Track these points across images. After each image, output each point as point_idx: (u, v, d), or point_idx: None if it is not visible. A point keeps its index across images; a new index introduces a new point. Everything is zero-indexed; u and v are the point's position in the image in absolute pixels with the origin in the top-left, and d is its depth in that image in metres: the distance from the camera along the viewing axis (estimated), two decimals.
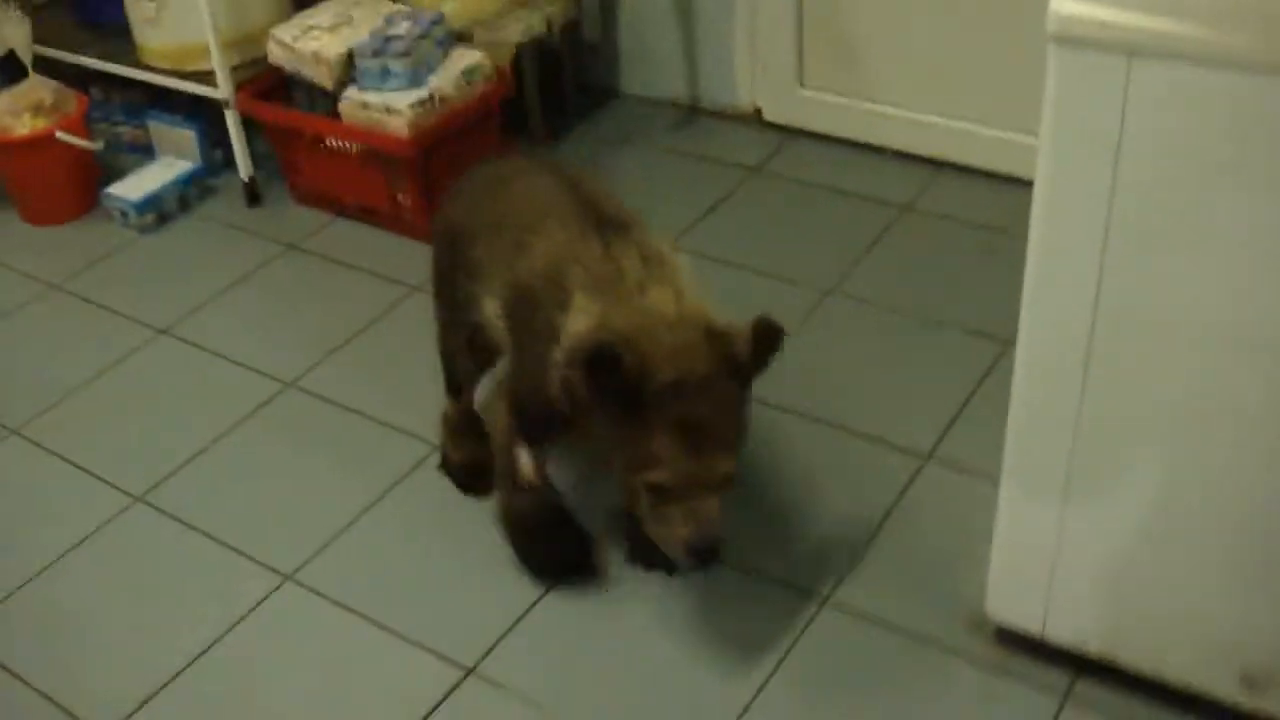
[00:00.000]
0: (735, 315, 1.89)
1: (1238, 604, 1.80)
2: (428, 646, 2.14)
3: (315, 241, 3.18)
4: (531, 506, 2.20)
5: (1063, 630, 1.97)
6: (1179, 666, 1.91)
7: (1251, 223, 1.53)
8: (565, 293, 1.94)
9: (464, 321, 2.24)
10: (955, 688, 2.02)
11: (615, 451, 1.86)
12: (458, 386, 2.42)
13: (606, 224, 2.01)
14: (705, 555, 1.86)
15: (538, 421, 2.08)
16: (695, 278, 1.99)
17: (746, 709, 2.00)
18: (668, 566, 2.19)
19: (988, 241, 2.90)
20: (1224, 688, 1.87)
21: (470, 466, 2.41)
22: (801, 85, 3.35)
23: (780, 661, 2.06)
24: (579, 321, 1.89)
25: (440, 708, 2.04)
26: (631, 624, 2.15)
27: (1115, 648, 1.94)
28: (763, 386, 1.93)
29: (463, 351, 2.34)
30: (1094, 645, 1.96)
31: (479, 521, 2.32)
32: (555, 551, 2.23)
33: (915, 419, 2.47)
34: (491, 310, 2.12)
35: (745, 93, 3.46)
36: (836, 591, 2.16)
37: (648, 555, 2.18)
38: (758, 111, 3.46)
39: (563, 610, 2.18)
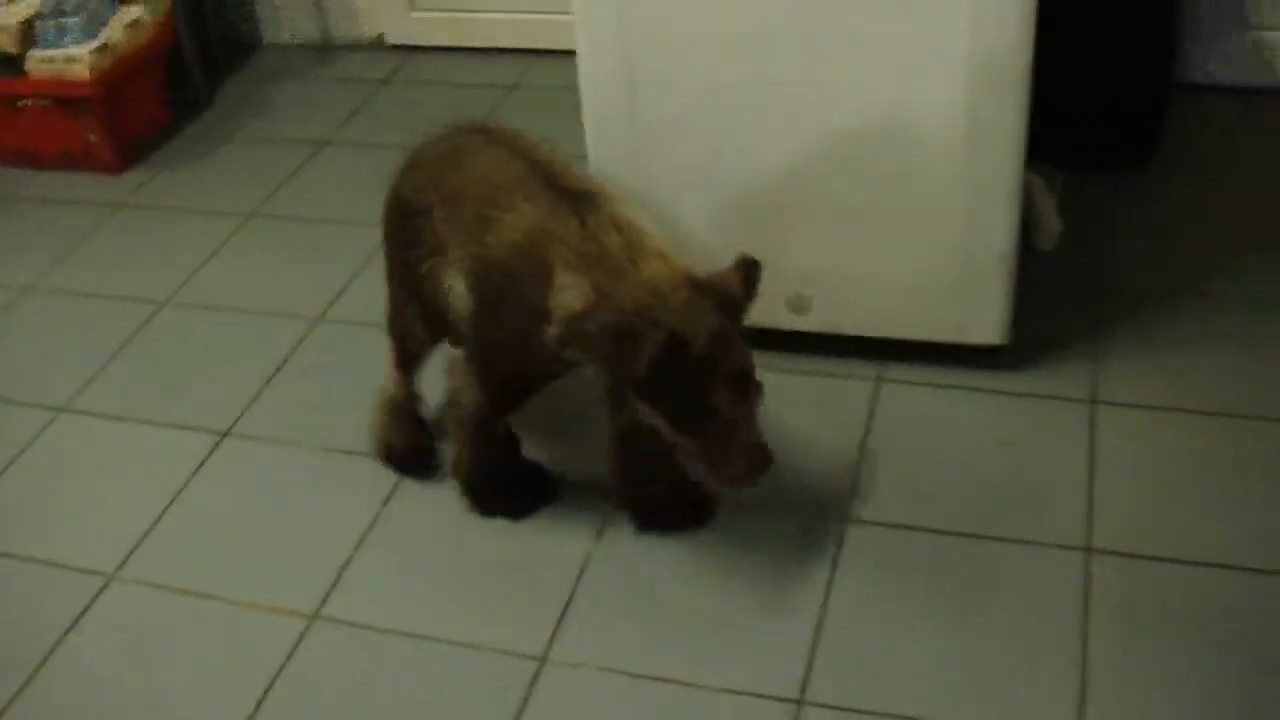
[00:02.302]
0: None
1: (777, 246, 2.30)
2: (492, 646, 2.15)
3: (20, 189, 3.64)
4: (500, 464, 2.34)
5: None
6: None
7: None
8: (545, 269, 1.96)
9: (420, 294, 2.27)
10: None
11: (665, 422, 1.93)
12: (409, 358, 2.45)
13: (575, 198, 2.03)
14: (767, 465, 1.95)
15: (512, 394, 2.21)
16: (662, 232, 2.06)
17: None
18: (677, 522, 2.30)
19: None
20: (780, 316, 2.49)
21: (412, 450, 2.48)
22: (413, 9, 4.07)
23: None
24: (568, 298, 1.93)
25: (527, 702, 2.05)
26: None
27: None
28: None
29: (417, 324, 2.36)
30: None
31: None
32: (522, 497, 2.37)
33: None
34: (456, 285, 2.15)
35: (368, 24, 4.15)
36: None
37: (653, 519, 2.31)
38: (380, 37, 4.16)
39: None
